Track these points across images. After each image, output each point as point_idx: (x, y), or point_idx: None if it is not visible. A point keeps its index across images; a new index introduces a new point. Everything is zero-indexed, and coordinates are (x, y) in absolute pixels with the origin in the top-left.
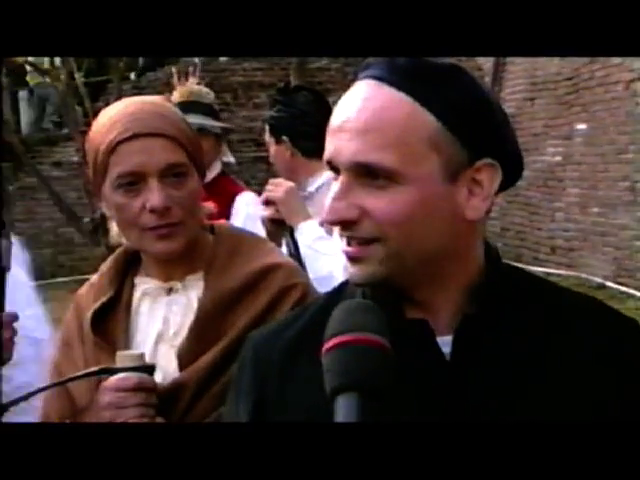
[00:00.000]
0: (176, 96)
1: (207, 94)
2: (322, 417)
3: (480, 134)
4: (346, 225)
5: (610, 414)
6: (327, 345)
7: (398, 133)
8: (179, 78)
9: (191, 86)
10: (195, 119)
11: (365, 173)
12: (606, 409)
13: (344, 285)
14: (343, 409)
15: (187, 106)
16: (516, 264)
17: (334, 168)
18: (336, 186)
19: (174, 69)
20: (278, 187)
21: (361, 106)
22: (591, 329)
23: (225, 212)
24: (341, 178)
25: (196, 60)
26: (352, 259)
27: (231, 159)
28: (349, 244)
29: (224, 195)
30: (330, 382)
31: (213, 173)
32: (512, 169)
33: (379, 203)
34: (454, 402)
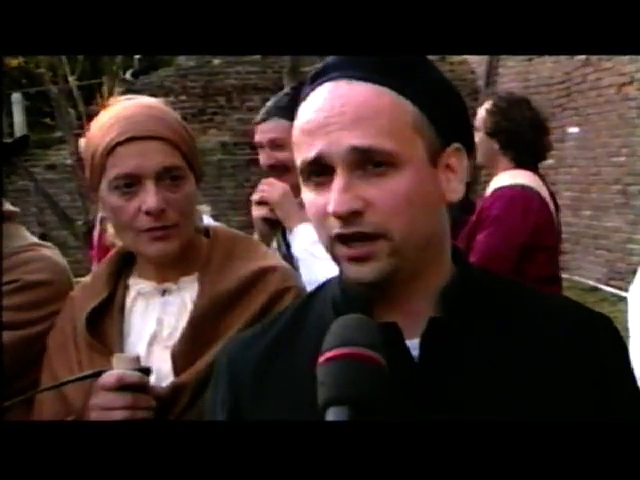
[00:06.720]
0: None
1: None
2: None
3: (449, 120)
4: (352, 218)
5: (583, 412)
6: (322, 358)
7: (386, 120)
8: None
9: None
10: None
11: (363, 162)
12: (578, 407)
13: (317, 290)
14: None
15: None
16: None
17: (323, 166)
18: (337, 180)
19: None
20: (272, 188)
21: (343, 102)
22: (563, 329)
23: None
24: (339, 172)
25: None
26: (357, 259)
27: None
28: (351, 245)
29: None
30: (322, 394)
31: None
32: (470, 154)
33: (381, 192)
34: (422, 405)
